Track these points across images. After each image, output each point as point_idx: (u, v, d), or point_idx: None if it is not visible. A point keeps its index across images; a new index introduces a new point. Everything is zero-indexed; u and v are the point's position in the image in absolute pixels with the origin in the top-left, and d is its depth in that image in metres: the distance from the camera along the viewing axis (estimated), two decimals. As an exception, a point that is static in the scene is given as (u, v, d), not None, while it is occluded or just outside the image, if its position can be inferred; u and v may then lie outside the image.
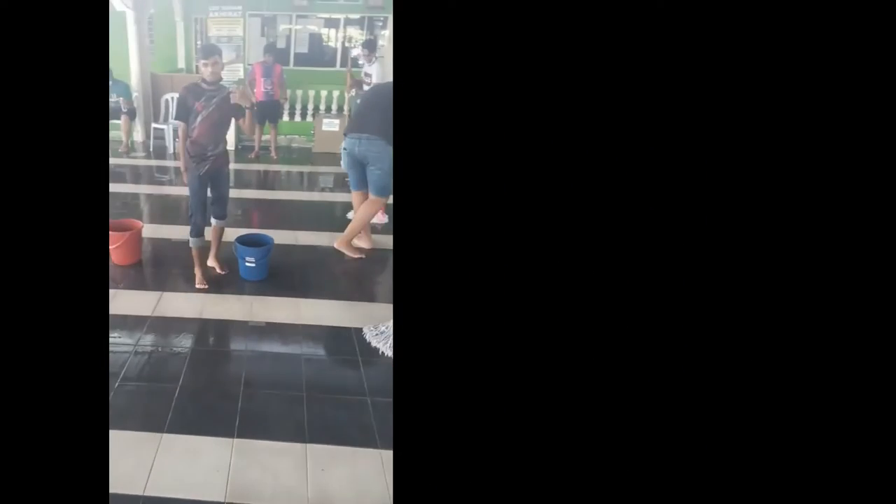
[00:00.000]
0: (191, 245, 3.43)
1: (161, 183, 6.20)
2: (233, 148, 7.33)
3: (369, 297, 3.54)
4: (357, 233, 3.96)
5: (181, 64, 10.00)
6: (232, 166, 6.60)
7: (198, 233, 3.40)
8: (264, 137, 7.09)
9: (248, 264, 3.49)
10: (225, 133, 3.33)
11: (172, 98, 7.59)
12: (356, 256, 3.95)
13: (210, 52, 3.18)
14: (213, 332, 2.97)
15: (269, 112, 6.89)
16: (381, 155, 3.72)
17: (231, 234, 3.78)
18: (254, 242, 3.62)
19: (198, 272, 3.45)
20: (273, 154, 7.00)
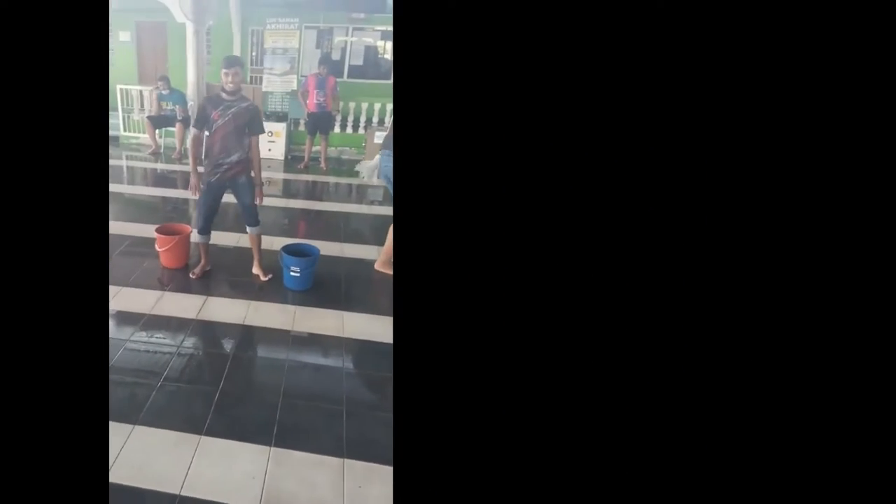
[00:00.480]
0: (192, 239, 3.72)
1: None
2: (282, 158, 7.52)
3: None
4: (387, 248, 3.98)
5: (237, 74, 10.32)
6: (280, 176, 6.86)
7: (200, 230, 3.63)
8: (315, 148, 7.24)
9: (292, 274, 3.54)
10: (240, 143, 3.41)
11: (226, 106, 7.84)
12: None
13: (231, 63, 3.29)
14: (255, 339, 3.02)
15: (320, 123, 7.04)
16: None
17: (277, 242, 3.85)
18: (299, 252, 3.67)
19: (199, 265, 3.76)
20: (323, 165, 7.14)
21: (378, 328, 3.18)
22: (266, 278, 3.68)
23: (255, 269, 3.73)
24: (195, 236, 3.63)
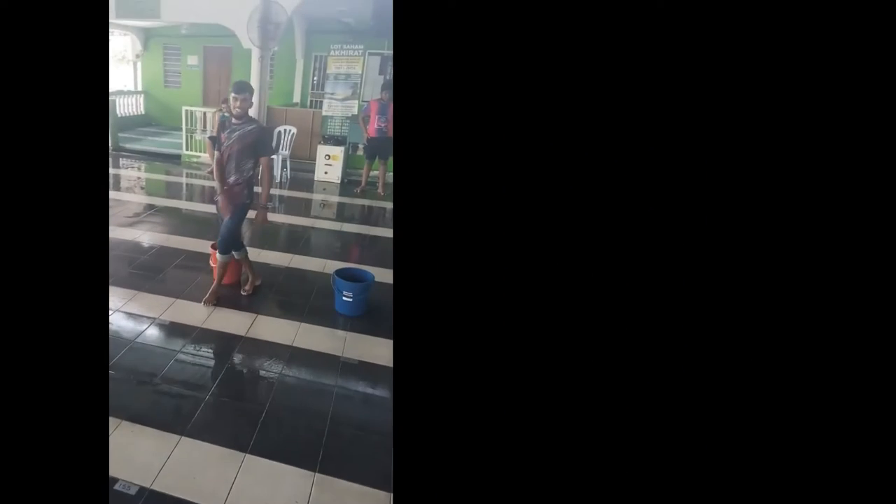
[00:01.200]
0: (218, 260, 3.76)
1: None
2: (339, 181, 7.67)
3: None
4: None
5: (296, 98, 10.66)
6: (336, 199, 6.98)
7: (220, 251, 3.67)
8: (373, 173, 7.35)
9: (345, 299, 3.56)
10: (239, 166, 3.50)
11: (285, 130, 8.07)
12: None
13: (241, 89, 3.39)
14: (304, 362, 3.03)
15: (380, 148, 7.17)
16: None
17: (330, 266, 3.89)
18: (353, 277, 3.70)
19: (249, 282, 3.85)
20: (380, 190, 7.24)
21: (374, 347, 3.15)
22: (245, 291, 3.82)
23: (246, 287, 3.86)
24: (219, 257, 3.68)
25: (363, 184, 7.31)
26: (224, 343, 3.07)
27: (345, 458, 2.25)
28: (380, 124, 7.03)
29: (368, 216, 6.48)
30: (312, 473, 2.13)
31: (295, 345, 3.14)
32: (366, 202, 6.90)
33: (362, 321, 3.53)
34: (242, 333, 3.19)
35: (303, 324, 3.40)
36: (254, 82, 8.02)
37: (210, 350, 3.00)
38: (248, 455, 2.18)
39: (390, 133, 7.14)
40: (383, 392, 2.82)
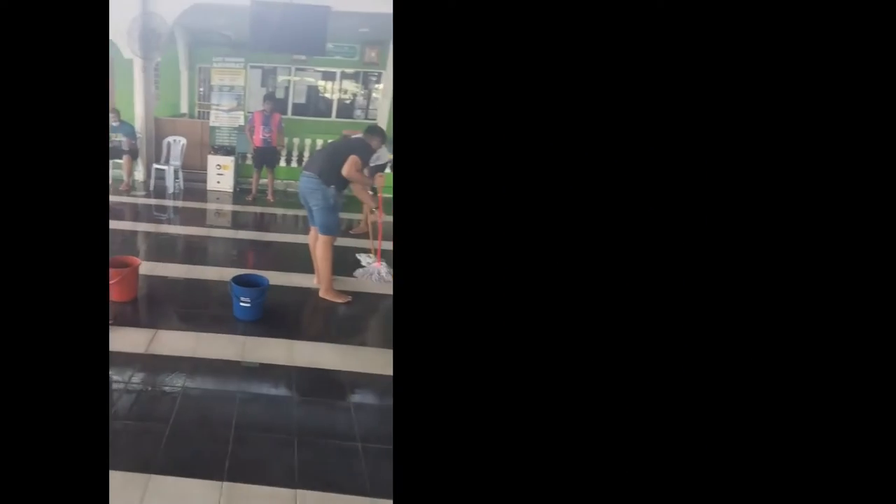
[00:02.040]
0: None
1: (159, 221, 6.10)
2: (231, 190, 7.29)
3: (361, 341, 3.44)
4: (328, 277, 3.87)
5: (184, 109, 10.00)
6: (230, 207, 6.64)
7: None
8: (262, 181, 7.05)
9: (242, 304, 3.39)
10: None
11: (174, 140, 7.56)
12: (343, 301, 3.87)
13: None
14: (207, 372, 2.84)
15: (266, 157, 6.89)
16: (315, 192, 3.70)
17: (227, 273, 3.69)
18: (249, 283, 3.53)
19: None
20: (270, 197, 6.96)
21: (326, 356, 3.07)
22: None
23: None
24: None
25: (254, 192, 7.00)
26: (123, 363, 2.83)
27: (251, 462, 2.14)
28: (264, 135, 6.75)
29: (261, 222, 6.22)
30: (220, 483, 2.01)
31: (196, 356, 2.94)
32: (258, 209, 6.61)
33: (260, 325, 3.38)
34: (142, 351, 2.96)
35: (203, 333, 3.20)
36: (138, 92, 7.46)
37: (109, 373, 2.75)
38: (152, 476, 2.01)
39: (275, 143, 6.87)
40: (284, 391, 2.71)
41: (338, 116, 9.71)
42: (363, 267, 4.58)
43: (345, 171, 3.66)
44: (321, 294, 3.88)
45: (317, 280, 3.99)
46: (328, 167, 3.71)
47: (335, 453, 2.26)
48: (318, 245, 3.85)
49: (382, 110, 9.24)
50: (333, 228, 3.82)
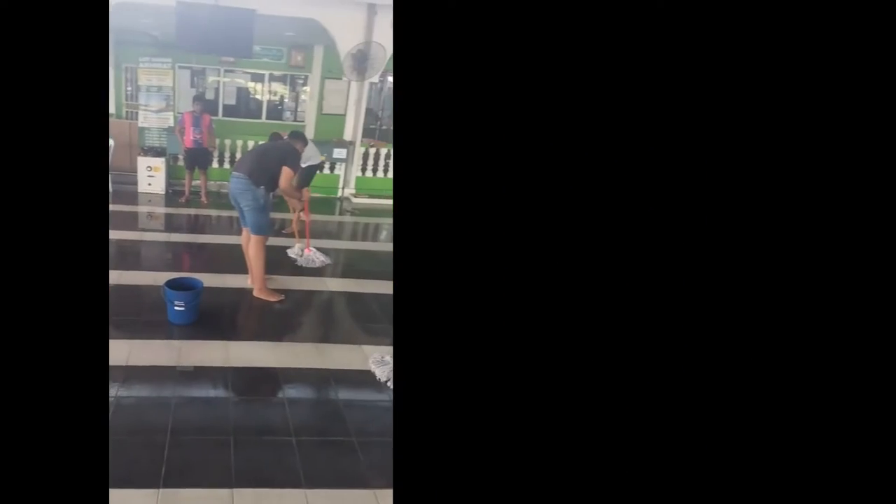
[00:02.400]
0: None
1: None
2: (163, 192, 6.99)
3: (294, 337, 3.41)
4: (262, 277, 3.81)
5: (112, 109, 9.47)
6: (162, 210, 6.37)
7: None
8: (194, 183, 6.79)
9: (177, 308, 3.28)
10: None
11: (103, 145, 7.16)
12: (277, 299, 3.82)
13: None
14: (141, 379, 2.75)
15: (198, 159, 6.63)
16: (245, 193, 3.64)
17: (161, 278, 3.56)
18: (183, 286, 3.41)
19: None
20: (203, 199, 6.71)
21: (262, 354, 3.03)
22: None
23: None
24: None
25: (187, 194, 6.73)
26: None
27: (187, 467, 2.10)
28: (195, 136, 6.49)
29: (195, 224, 6.01)
30: (157, 491, 1.97)
31: (129, 364, 2.84)
32: (191, 211, 6.37)
33: (195, 328, 3.29)
34: (73, 362, 2.82)
35: (136, 340, 3.08)
36: (63, 97, 7.00)
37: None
38: (86, 488, 1.95)
39: (206, 144, 6.62)
40: (220, 392, 2.66)
41: (268, 118, 9.44)
42: (302, 256, 4.66)
43: (282, 184, 3.72)
44: (255, 294, 3.81)
45: (251, 280, 3.91)
46: (257, 168, 3.65)
47: (270, 449, 2.25)
48: (251, 245, 3.77)
49: (310, 112, 9.07)
50: (265, 228, 3.75)
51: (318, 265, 4.64)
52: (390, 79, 9.90)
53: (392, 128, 10.03)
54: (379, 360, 2.98)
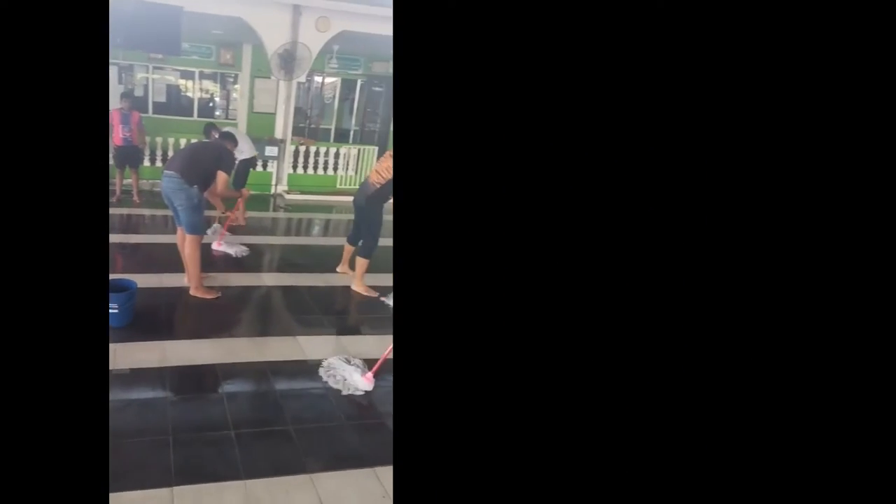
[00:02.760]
0: None
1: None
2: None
3: (231, 332, 3.34)
4: (198, 275, 3.70)
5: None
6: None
7: None
8: (126, 181, 6.43)
9: (111, 311, 3.14)
10: None
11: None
12: (213, 296, 3.72)
13: None
14: (76, 384, 2.63)
15: (129, 157, 6.28)
16: (178, 192, 3.53)
17: (92, 283, 3.37)
18: (117, 288, 3.26)
19: None
20: (135, 198, 6.37)
21: (199, 351, 2.96)
22: None
23: None
24: None
25: (118, 193, 6.36)
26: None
27: (126, 470, 2.04)
28: (124, 133, 6.13)
29: (128, 224, 5.70)
30: (94, 493, 1.90)
31: (64, 369, 2.70)
32: (124, 211, 6.03)
33: (130, 329, 3.16)
34: (3, 371, 2.66)
35: (70, 345, 2.93)
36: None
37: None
38: None
39: (136, 141, 6.27)
40: (157, 393, 2.59)
41: (199, 115, 9.05)
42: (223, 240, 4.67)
43: (220, 189, 3.65)
44: (192, 292, 3.70)
45: (187, 279, 3.79)
46: (190, 167, 3.52)
47: (210, 445, 2.22)
48: (186, 244, 3.64)
49: (241, 110, 8.77)
50: (199, 227, 3.63)
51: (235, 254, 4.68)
52: (318, 79, 9.68)
53: (320, 126, 9.86)
54: (326, 368, 2.91)
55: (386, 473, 2.15)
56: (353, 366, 2.91)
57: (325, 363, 2.94)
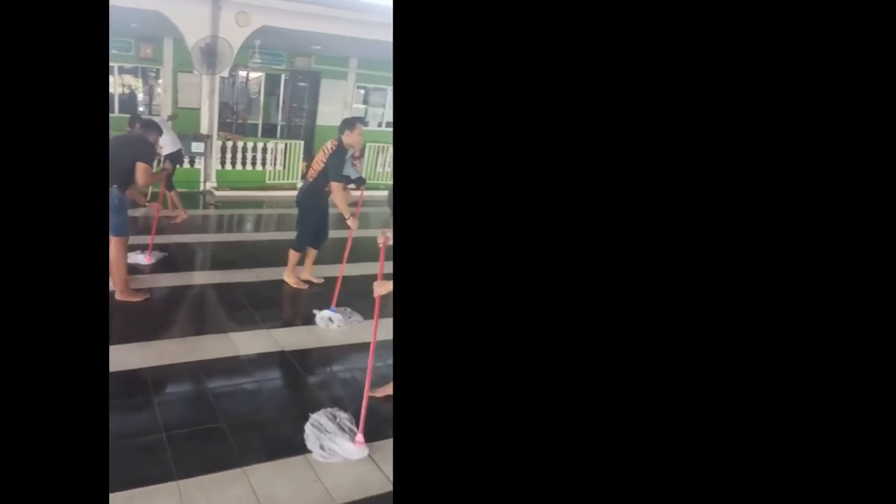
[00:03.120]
0: None
1: None
2: None
3: (160, 335, 3.19)
4: (124, 278, 3.48)
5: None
6: None
7: None
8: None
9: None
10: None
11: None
12: (141, 299, 3.53)
13: None
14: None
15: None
16: None
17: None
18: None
19: None
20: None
21: (128, 356, 2.80)
22: None
23: None
24: None
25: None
26: None
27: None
28: None
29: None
30: None
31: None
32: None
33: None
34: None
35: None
36: None
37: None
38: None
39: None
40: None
41: (121, 111, 8.42)
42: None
43: (139, 181, 3.38)
44: (118, 297, 3.48)
45: (112, 283, 3.56)
46: (109, 166, 3.25)
47: (142, 450, 2.13)
48: (110, 247, 3.41)
49: (165, 106, 8.24)
50: (122, 229, 3.38)
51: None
52: (242, 73, 9.23)
53: (248, 122, 9.45)
54: (312, 428, 2.35)
55: (316, 459, 2.15)
56: (337, 425, 2.34)
57: (312, 418, 2.39)
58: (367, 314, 3.46)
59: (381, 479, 2.10)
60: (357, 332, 3.35)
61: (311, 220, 3.88)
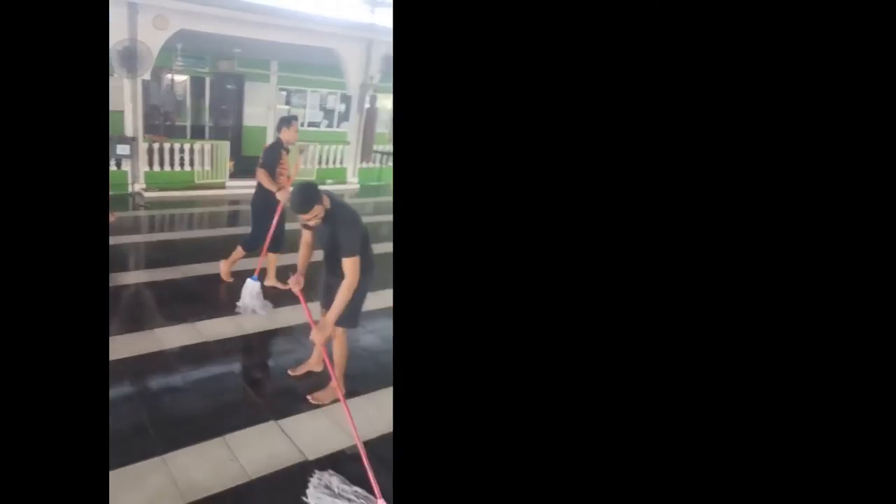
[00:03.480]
0: None
1: None
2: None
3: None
4: None
5: None
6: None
7: None
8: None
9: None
10: None
11: None
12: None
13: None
14: None
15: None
16: None
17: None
18: None
19: None
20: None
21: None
22: None
23: None
24: None
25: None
26: None
27: None
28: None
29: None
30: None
31: None
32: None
33: None
34: None
35: None
36: None
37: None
38: None
39: None
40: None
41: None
42: None
43: None
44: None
45: None
46: None
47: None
48: None
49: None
50: None
51: None
52: (168, 76, 8.76)
53: (176, 123, 9.02)
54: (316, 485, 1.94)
55: (233, 439, 2.19)
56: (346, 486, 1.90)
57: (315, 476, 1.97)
58: (277, 303, 3.56)
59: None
60: (275, 318, 3.41)
61: (264, 221, 3.78)
